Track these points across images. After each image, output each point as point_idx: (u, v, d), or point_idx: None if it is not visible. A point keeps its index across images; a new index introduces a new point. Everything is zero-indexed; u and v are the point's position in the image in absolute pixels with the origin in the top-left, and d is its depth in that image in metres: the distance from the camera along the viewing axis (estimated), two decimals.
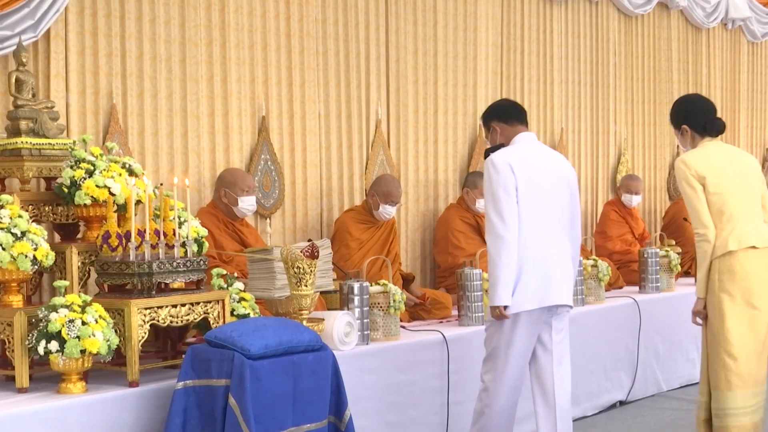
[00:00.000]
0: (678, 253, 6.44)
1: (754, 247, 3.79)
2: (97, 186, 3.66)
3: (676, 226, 7.33)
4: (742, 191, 3.87)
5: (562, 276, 3.92)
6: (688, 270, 6.89)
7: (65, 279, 3.59)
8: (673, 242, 6.90)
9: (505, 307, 3.81)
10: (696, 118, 3.96)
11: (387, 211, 5.36)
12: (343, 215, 5.46)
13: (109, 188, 3.68)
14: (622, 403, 5.69)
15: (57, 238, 3.97)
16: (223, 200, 4.75)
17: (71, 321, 3.27)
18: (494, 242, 3.80)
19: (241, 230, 4.79)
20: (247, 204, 4.75)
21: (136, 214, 3.60)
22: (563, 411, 3.97)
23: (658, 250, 6.26)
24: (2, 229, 3.41)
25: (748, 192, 3.89)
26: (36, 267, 3.46)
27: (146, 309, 3.45)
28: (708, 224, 3.79)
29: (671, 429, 4.84)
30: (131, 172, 3.80)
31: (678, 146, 8.16)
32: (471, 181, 6.02)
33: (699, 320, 3.90)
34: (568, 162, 4.13)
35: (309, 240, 4.35)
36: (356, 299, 4.31)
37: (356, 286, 4.32)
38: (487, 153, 3.98)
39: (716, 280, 3.79)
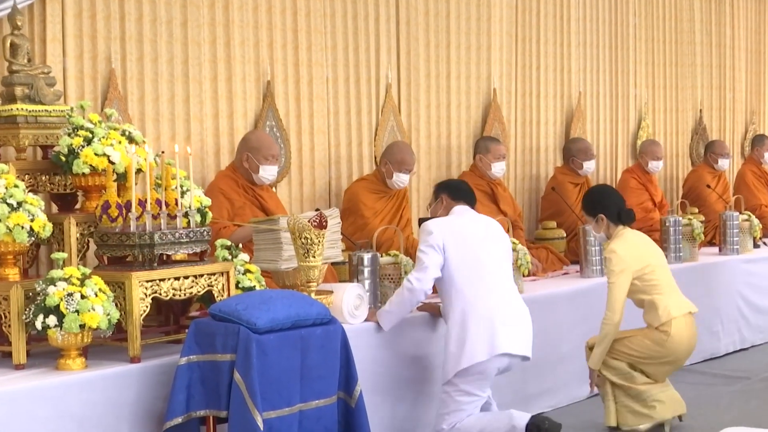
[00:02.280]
0: (701, 222, 6.20)
1: (690, 312, 4.50)
2: (95, 154, 3.61)
3: (696, 193, 7.15)
4: (665, 266, 4.57)
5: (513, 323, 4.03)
6: (712, 240, 6.70)
7: (63, 251, 3.54)
8: (696, 210, 6.69)
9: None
10: (611, 208, 4.55)
11: (401, 179, 5.22)
12: (354, 185, 5.32)
13: (108, 156, 3.62)
14: None
15: (54, 208, 3.92)
16: (244, 164, 4.62)
17: (70, 295, 3.23)
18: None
19: (261, 195, 4.66)
20: (267, 173, 4.62)
21: (136, 184, 3.54)
22: None
23: (680, 218, 6.03)
24: None
25: (666, 268, 4.58)
26: (33, 239, 3.42)
27: (148, 282, 3.41)
28: (617, 311, 4.37)
29: (694, 404, 4.73)
30: (131, 140, 3.75)
31: (701, 111, 7.97)
32: (483, 146, 5.89)
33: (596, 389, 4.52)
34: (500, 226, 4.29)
35: (317, 209, 4.25)
36: (366, 270, 4.23)
37: (366, 257, 4.22)
38: (420, 222, 4.27)
39: (658, 339, 4.40)
